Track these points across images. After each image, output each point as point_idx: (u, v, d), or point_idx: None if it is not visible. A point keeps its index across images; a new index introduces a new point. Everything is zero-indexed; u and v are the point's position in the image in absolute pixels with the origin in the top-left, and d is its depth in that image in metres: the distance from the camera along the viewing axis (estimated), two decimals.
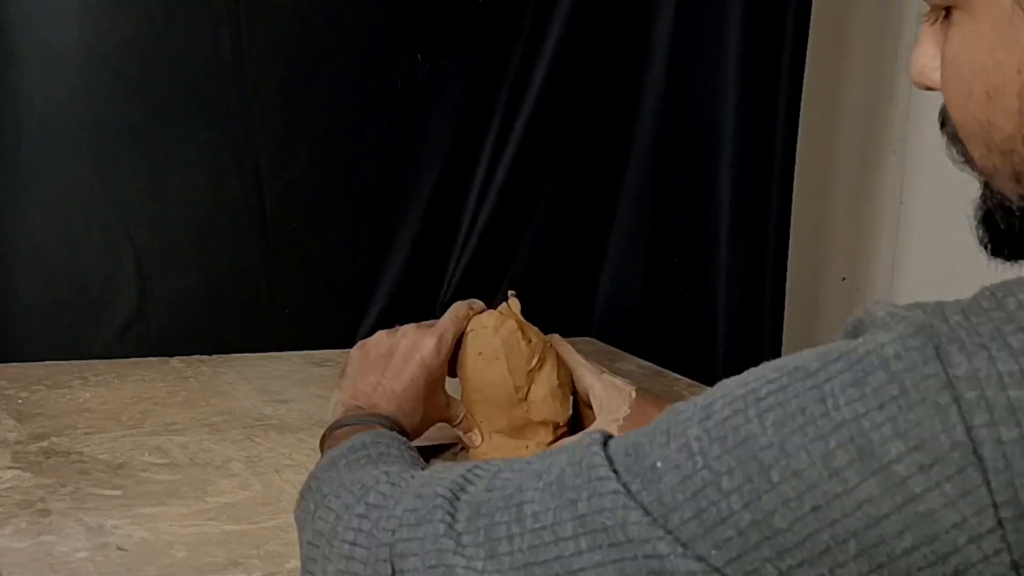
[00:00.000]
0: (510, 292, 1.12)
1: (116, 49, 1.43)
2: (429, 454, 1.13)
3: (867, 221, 1.90)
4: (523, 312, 1.11)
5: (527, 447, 1.09)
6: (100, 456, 1.14)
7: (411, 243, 1.64)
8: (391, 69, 1.59)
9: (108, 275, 1.47)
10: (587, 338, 1.78)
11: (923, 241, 1.84)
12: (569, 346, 1.15)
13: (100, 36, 1.42)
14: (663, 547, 0.54)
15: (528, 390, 1.08)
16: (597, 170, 1.79)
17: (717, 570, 0.53)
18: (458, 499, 0.64)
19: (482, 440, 1.10)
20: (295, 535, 0.98)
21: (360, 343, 1.12)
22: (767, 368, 0.57)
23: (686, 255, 1.70)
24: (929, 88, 0.64)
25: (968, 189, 0.66)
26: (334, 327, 1.62)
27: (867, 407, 0.51)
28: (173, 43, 1.45)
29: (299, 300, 1.59)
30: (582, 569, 0.57)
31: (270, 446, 1.20)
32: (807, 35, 1.62)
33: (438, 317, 1.13)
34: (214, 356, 1.51)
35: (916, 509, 0.49)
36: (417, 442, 1.11)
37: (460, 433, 1.12)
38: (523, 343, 1.08)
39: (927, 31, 0.63)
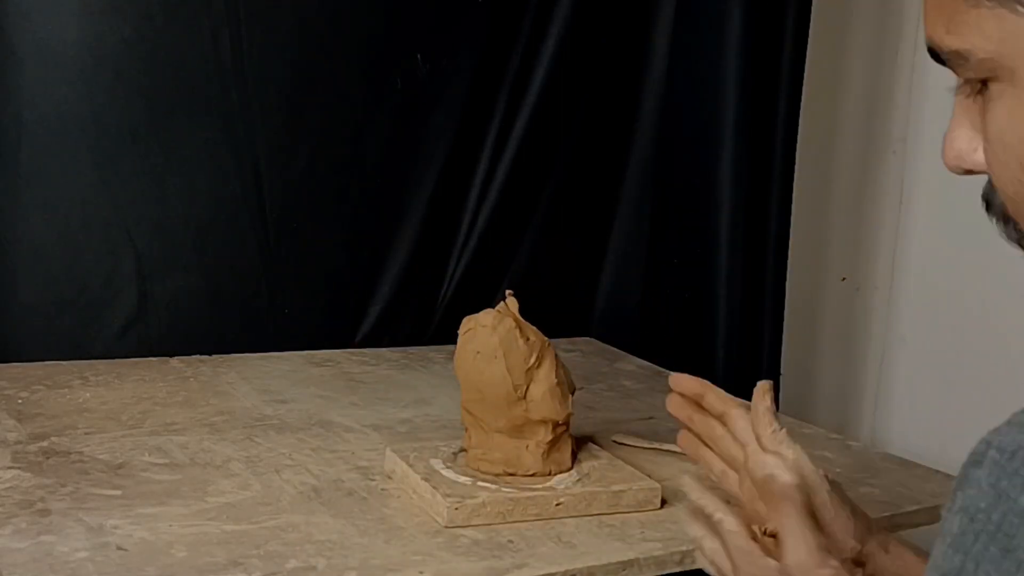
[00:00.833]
0: (508, 292, 1.12)
1: (116, 49, 1.43)
2: (429, 454, 1.13)
3: (867, 221, 1.90)
4: (522, 312, 1.11)
5: (527, 447, 1.09)
6: (100, 456, 1.14)
7: (411, 243, 1.64)
8: (391, 69, 1.59)
9: (108, 275, 1.47)
10: (587, 338, 1.78)
11: (923, 241, 1.84)
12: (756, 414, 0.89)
13: (100, 36, 1.42)
14: None
15: (527, 389, 1.08)
16: (597, 170, 1.79)
17: None
18: None
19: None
20: (295, 535, 0.98)
21: None
22: None
23: (686, 255, 1.70)
24: (968, 172, 0.59)
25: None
26: (334, 327, 1.62)
27: None
28: (173, 43, 1.45)
29: (299, 300, 1.59)
30: None
31: (270, 446, 1.20)
32: (807, 35, 1.63)
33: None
34: (214, 356, 1.51)
35: None
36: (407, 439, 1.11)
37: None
38: (521, 342, 1.08)
39: (960, 110, 0.58)
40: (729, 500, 0.85)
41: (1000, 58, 0.53)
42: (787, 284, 1.70)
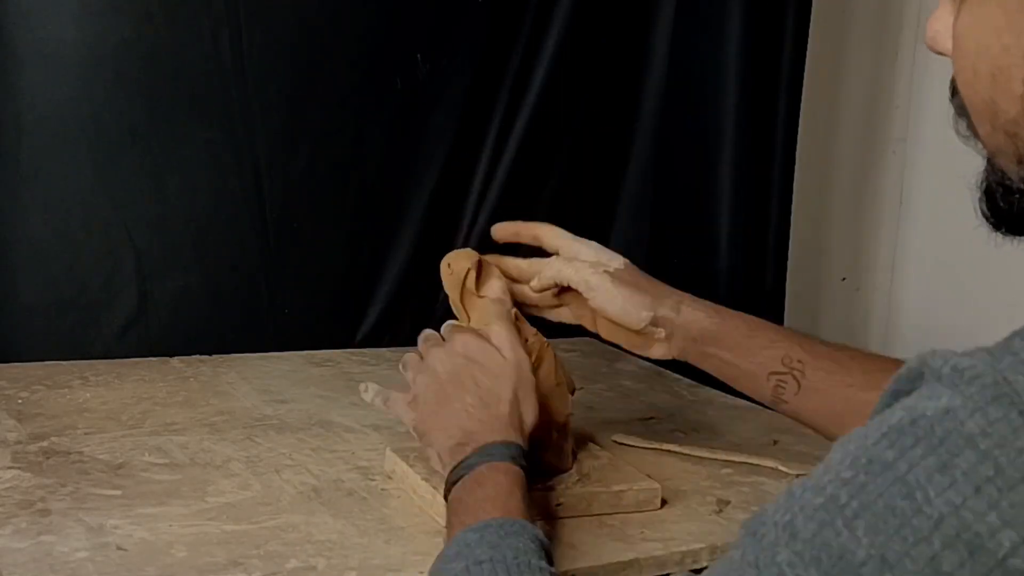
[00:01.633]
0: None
1: (116, 49, 1.43)
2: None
3: (867, 221, 1.90)
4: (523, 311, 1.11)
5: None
6: (100, 456, 1.14)
7: (411, 243, 1.64)
8: (391, 69, 1.59)
9: (108, 275, 1.47)
10: (587, 338, 1.78)
11: (923, 241, 1.84)
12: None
13: (100, 36, 1.42)
14: None
15: None
16: (597, 170, 1.79)
17: None
18: None
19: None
20: (295, 535, 0.98)
21: (418, 383, 1.02)
22: (838, 464, 0.52)
23: (686, 255, 1.70)
24: (941, 54, 0.62)
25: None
26: (334, 327, 1.62)
27: (963, 495, 0.47)
28: (173, 43, 1.45)
29: (299, 300, 1.59)
30: None
31: (270, 446, 1.20)
32: (807, 35, 1.63)
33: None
34: (214, 356, 1.51)
35: None
36: None
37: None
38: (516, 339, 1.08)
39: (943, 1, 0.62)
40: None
41: None
42: (787, 284, 1.70)
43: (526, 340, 1.08)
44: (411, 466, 1.09)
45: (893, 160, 1.87)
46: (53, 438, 1.18)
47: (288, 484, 1.10)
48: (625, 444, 1.26)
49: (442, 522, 1.01)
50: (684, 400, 1.47)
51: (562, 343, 1.59)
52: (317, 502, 1.06)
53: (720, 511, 1.10)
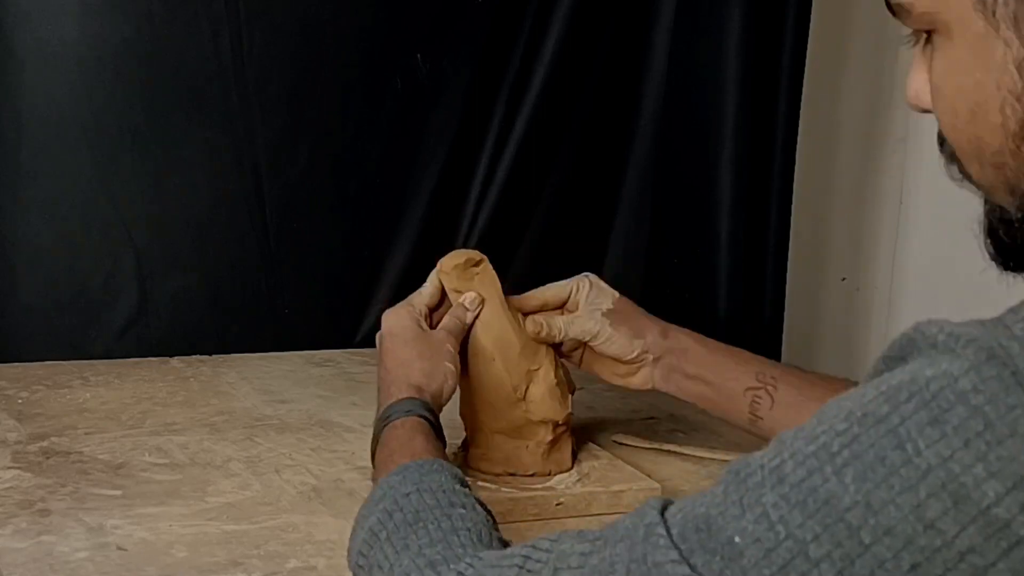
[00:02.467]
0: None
1: (116, 49, 1.43)
2: None
3: (867, 221, 1.90)
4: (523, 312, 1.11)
5: (527, 447, 1.09)
6: (100, 456, 1.14)
7: (411, 243, 1.64)
8: (391, 69, 1.59)
9: (108, 275, 1.47)
10: None
11: (923, 241, 1.84)
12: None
13: (100, 36, 1.42)
14: None
15: (526, 389, 1.08)
16: (597, 170, 1.79)
17: None
18: None
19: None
20: (295, 535, 0.98)
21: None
22: (833, 417, 0.53)
23: (686, 255, 1.70)
24: (925, 111, 0.64)
25: (968, 189, 0.66)
26: (334, 327, 1.62)
27: (952, 447, 0.48)
28: (173, 43, 1.45)
29: (299, 300, 1.59)
30: None
31: (270, 446, 1.20)
32: (807, 35, 1.62)
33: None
34: (214, 356, 1.52)
35: None
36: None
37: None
38: (517, 342, 1.08)
39: (917, 56, 0.64)
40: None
41: (936, 13, 0.59)
42: (787, 284, 1.70)
43: (525, 342, 1.09)
44: None
45: (893, 160, 1.87)
46: (53, 438, 1.18)
47: (288, 484, 1.10)
48: (625, 444, 1.26)
49: None
50: (684, 400, 1.47)
51: None
52: (317, 502, 1.06)
53: None
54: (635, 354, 1.11)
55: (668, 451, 1.25)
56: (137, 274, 1.48)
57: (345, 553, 0.95)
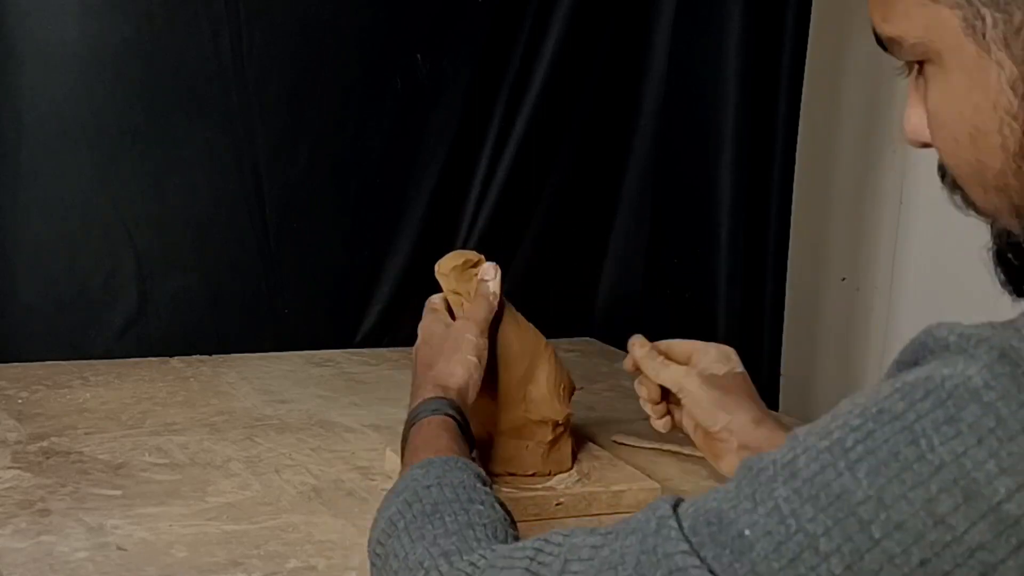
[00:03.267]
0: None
1: (116, 49, 1.43)
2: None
3: (867, 221, 1.90)
4: (523, 311, 1.11)
5: (527, 446, 1.09)
6: (100, 456, 1.14)
7: (411, 243, 1.64)
8: (391, 69, 1.59)
9: (108, 275, 1.47)
10: (587, 338, 1.78)
11: (923, 241, 1.84)
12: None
13: (100, 36, 1.42)
14: None
15: (526, 389, 1.08)
16: (597, 170, 1.79)
17: None
18: None
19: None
20: (295, 535, 0.98)
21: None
22: (847, 414, 0.53)
23: (686, 255, 1.70)
24: (925, 145, 0.64)
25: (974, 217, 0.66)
26: (334, 327, 1.62)
27: (965, 444, 0.48)
28: (173, 43, 1.45)
29: (299, 300, 1.59)
30: None
31: (270, 446, 1.20)
32: (807, 35, 1.62)
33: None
34: (214, 356, 1.52)
35: None
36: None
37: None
38: (517, 342, 1.08)
39: (912, 89, 0.64)
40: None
41: (928, 43, 0.59)
42: (787, 284, 1.70)
43: (522, 340, 1.08)
44: None
45: (893, 160, 1.87)
46: (53, 438, 1.18)
47: (288, 484, 1.10)
48: (625, 444, 1.26)
49: None
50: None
51: (562, 343, 1.59)
52: (317, 502, 1.06)
53: None
54: (717, 428, 1.01)
55: (668, 451, 1.25)
56: (137, 274, 1.48)
57: (344, 553, 0.95)
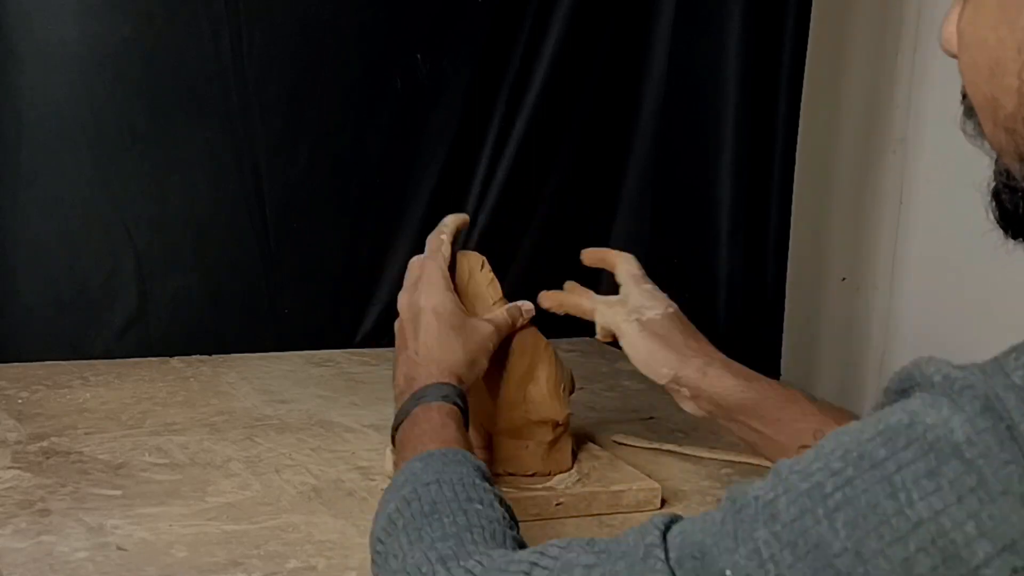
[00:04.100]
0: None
1: (116, 49, 1.43)
2: None
3: (867, 221, 1.90)
4: None
5: (527, 447, 1.09)
6: (100, 456, 1.14)
7: (411, 243, 1.64)
8: (391, 69, 1.59)
9: (108, 275, 1.47)
10: (587, 338, 1.78)
11: (923, 241, 1.84)
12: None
13: (100, 36, 1.42)
14: None
15: (526, 389, 1.08)
16: (597, 170, 1.79)
17: None
18: None
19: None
20: (295, 535, 0.98)
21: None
22: (829, 455, 0.52)
23: (686, 255, 1.70)
24: (953, 55, 0.63)
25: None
26: (334, 327, 1.62)
27: (945, 502, 0.47)
28: (173, 43, 1.45)
29: (299, 300, 1.59)
30: None
31: (270, 446, 1.20)
32: (807, 35, 1.62)
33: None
34: (214, 356, 1.52)
35: None
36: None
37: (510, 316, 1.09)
38: (516, 342, 1.08)
39: (954, 2, 0.63)
40: None
41: None
42: (787, 284, 1.70)
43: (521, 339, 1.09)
44: None
45: (893, 160, 1.87)
46: (53, 438, 1.18)
47: (288, 484, 1.10)
48: (625, 444, 1.26)
49: None
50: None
51: (562, 343, 1.59)
52: (317, 502, 1.06)
53: None
54: (664, 381, 1.03)
55: (668, 451, 1.25)
56: (137, 274, 1.48)
57: (344, 553, 0.95)
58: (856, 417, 1.02)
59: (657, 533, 0.58)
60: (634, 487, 1.09)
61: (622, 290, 1.10)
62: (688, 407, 1.04)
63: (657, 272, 1.76)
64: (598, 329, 1.10)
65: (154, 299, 1.50)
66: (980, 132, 0.61)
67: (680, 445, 1.26)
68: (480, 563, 0.67)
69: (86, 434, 1.20)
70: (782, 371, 1.71)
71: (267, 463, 1.15)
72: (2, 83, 1.38)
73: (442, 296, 1.02)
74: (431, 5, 1.60)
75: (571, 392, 1.12)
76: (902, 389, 0.53)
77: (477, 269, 1.10)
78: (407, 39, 1.59)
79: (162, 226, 1.49)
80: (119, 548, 0.94)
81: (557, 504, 1.05)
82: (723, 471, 1.20)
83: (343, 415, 1.32)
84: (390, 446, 1.15)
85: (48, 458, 1.12)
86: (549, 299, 1.13)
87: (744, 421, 1.02)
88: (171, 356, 1.50)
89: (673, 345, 1.04)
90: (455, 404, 0.93)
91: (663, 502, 1.09)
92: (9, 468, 1.09)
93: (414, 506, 0.76)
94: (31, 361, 1.43)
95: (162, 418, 1.27)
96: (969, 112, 0.62)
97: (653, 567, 0.56)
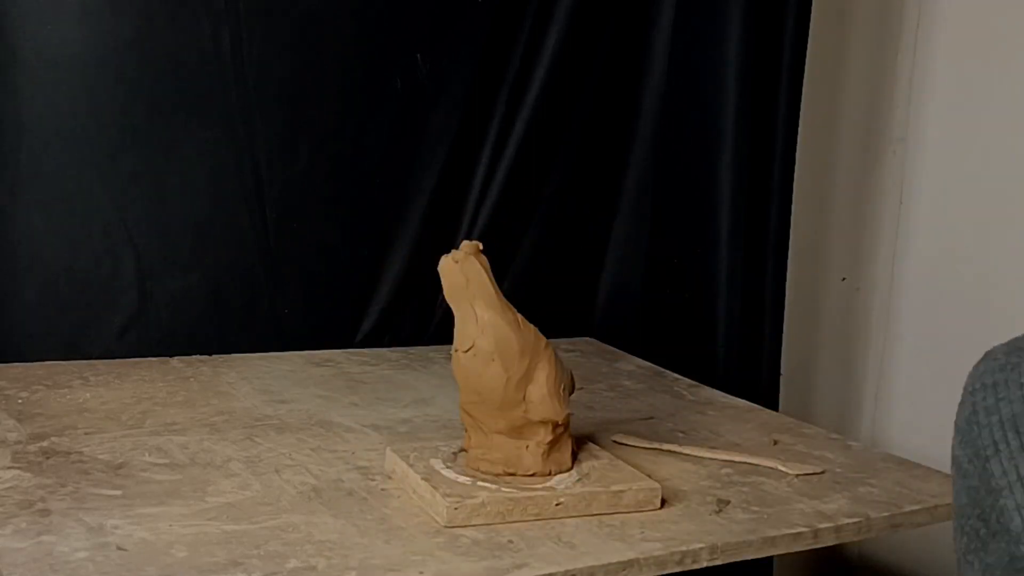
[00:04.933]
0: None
1: (116, 49, 1.43)
2: (429, 454, 1.13)
3: (867, 221, 1.90)
4: (523, 311, 1.11)
5: (527, 447, 1.09)
6: (100, 456, 1.14)
7: (411, 243, 1.64)
8: (391, 69, 1.59)
9: (108, 275, 1.47)
10: (587, 338, 1.78)
11: (923, 241, 1.84)
12: None
13: (100, 36, 1.42)
14: None
15: (526, 390, 1.08)
16: (597, 170, 1.79)
17: None
18: None
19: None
20: (295, 535, 0.98)
21: None
22: None
23: (686, 255, 1.70)
24: None
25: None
26: (334, 327, 1.62)
27: None
28: (173, 43, 1.45)
29: (299, 300, 1.59)
30: None
31: (270, 446, 1.20)
32: (807, 35, 1.63)
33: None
34: (214, 356, 1.52)
35: None
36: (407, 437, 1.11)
37: None
38: (517, 342, 1.08)
39: None
40: None
41: None
42: (787, 284, 1.70)
43: (520, 337, 1.08)
44: (411, 466, 1.09)
45: (893, 160, 1.87)
46: (53, 438, 1.18)
47: (288, 484, 1.10)
48: (625, 444, 1.26)
49: (441, 522, 1.01)
50: (684, 400, 1.47)
51: (562, 343, 1.59)
52: (317, 502, 1.06)
53: (720, 511, 1.10)
54: None
55: (668, 451, 1.25)
56: (137, 274, 1.48)
57: (344, 553, 0.95)
58: None
59: None
60: (634, 487, 1.09)
61: None
62: None
63: (657, 272, 1.77)
64: None
65: (154, 299, 1.50)
66: None
67: (680, 445, 1.26)
68: None
69: (86, 434, 1.20)
70: (782, 371, 1.71)
71: (267, 463, 1.15)
72: (2, 83, 1.38)
73: None
74: (431, 5, 1.60)
75: (571, 392, 1.12)
76: None
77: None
78: (407, 39, 1.59)
79: (162, 226, 1.49)
80: (119, 548, 0.94)
81: (557, 504, 1.05)
82: (723, 471, 1.20)
83: (343, 415, 1.32)
84: (389, 447, 1.16)
85: (48, 458, 1.12)
86: None
87: None
88: (171, 356, 1.50)
89: None
90: None
91: (663, 502, 1.09)
92: (9, 468, 1.09)
93: None
94: (31, 361, 1.43)
95: (162, 418, 1.27)
96: None
97: None
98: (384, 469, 1.14)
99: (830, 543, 1.11)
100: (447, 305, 1.12)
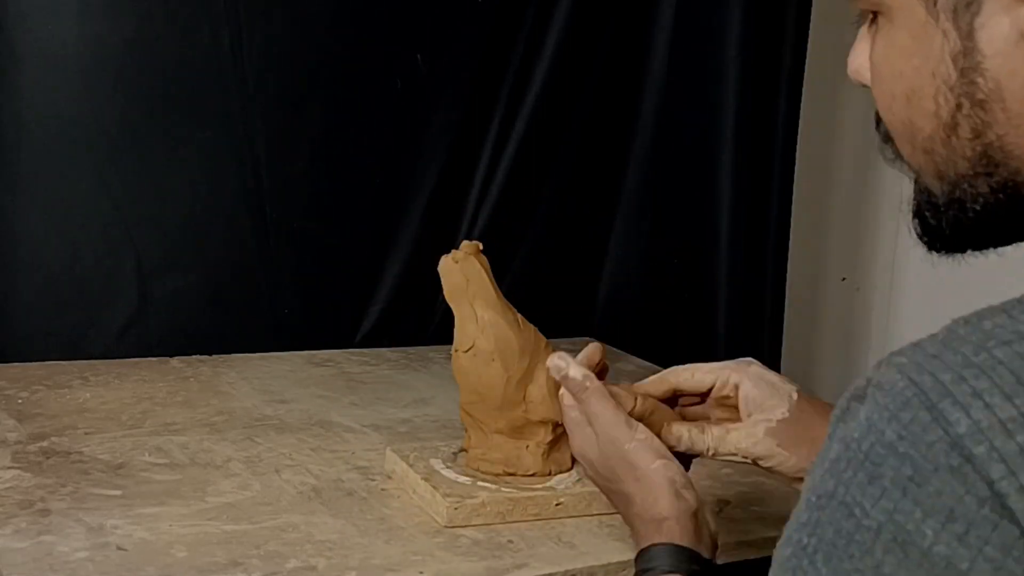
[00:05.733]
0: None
1: (116, 49, 1.43)
2: (429, 454, 1.13)
3: (867, 221, 1.90)
4: (523, 311, 1.11)
5: (527, 447, 1.09)
6: (100, 456, 1.14)
7: (411, 243, 1.64)
8: (391, 69, 1.59)
9: (108, 275, 1.47)
10: (587, 338, 1.78)
11: None
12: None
13: (100, 36, 1.42)
14: None
15: (525, 390, 1.08)
16: (597, 170, 1.79)
17: None
18: None
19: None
20: (295, 535, 0.98)
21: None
22: (798, 512, 0.55)
23: (686, 255, 1.70)
24: (865, 86, 0.66)
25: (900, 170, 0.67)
26: (334, 327, 1.62)
27: (893, 500, 0.49)
28: (173, 43, 1.45)
29: (299, 300, 1.59)
30: None
31: (270, 446, 1.20)
32: (807, 35, 1.62)
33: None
34: (214, 356, 1.51)
35: None
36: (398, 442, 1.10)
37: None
38: (516, 342, 1.08)
39: (862, 33, 0.66)
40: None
41: None
42: (787, 284, 1.70)
43: (520, 336, 1.08)
44: (411, 466, 1.09)
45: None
46: (53, 438, 1.18)
47: (288, 484, 1.10)
48: None
49: (441, 522, 1.01)
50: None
51: (563, 343, 1.59)
52: (317, 502, 1.06)
53: (720, 511, 1.10)
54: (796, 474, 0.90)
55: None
56: (137, 274, 1.48)
57: (344, 553, 0.95)
58: None
59: None
60: None
61: (717, 393, 0.98)
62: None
63: (657, 272, 1.77)
64: (718, 455, 0.94)
65: (154, 299, 1.50)
66: (899, 155, 0.64)
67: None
68: None
69: (86, 434, 1.20)
70: (782, 371, 1.71)
71: (267, 463, 1.15)
72: (2, 83, 1.38)
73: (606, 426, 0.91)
74: (431, 5, 1.60)
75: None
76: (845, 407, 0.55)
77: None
78: (407, 39, 1.59)
79: (162, 226, 1.49)
80: (119, 548, 0.94)
81: (557, 504, 1.05)
82: (723, 471, 1.20)
83: (343, 415, 1.32)
84: (389, 447, 1.16)
85: (48, 458, 1.12)
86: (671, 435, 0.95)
87: None
88: (171, 356, 1.49)
89: (803, 442, 0.89)
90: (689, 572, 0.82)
91: None
92: (9, 468, 1.09)
93: None
94: (31, 361, 1.43)
95: (162, 418, 1.27)
96: (886, 138, 0.65)
97: None
98: (384, 469, 1.14)
99: None
100: (447, 305, 1.12)
